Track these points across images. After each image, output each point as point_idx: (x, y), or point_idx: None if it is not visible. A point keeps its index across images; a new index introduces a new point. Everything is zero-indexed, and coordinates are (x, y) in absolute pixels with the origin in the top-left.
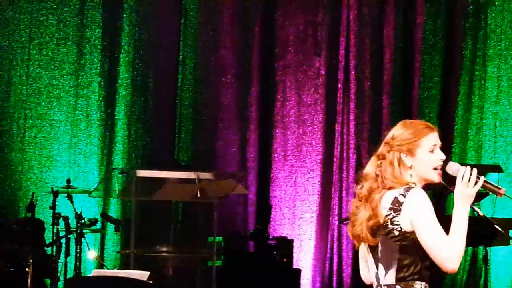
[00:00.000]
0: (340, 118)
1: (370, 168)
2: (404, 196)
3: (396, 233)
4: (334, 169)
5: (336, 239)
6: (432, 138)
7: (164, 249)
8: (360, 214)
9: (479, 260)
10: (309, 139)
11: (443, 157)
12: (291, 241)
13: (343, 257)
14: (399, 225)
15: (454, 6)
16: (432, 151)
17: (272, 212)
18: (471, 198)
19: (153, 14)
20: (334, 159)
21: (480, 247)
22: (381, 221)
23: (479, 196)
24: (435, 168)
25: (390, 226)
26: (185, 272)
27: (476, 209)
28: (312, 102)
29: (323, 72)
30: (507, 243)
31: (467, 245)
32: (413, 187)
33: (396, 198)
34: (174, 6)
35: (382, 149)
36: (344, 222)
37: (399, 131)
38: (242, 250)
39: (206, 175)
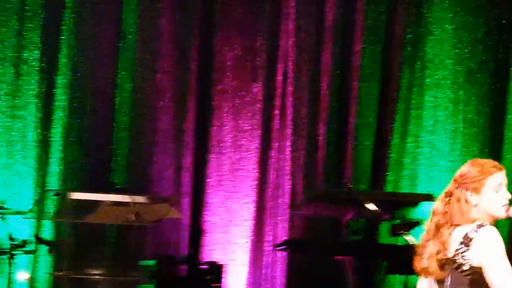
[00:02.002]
0: (277, 144)
1: (438, 204)
2: (476, 232)
3: (466, 267)
4: (268, 195)
5: (269, 265)
6: (498, 178)
7: (97, 272)
8: (429, 248)
9: None
10: (244, 164)
11: (509, 196)
12: (224, 266)
13: (276, 283)
14: (469, 260)
15: (392, 34)
16: (497, 191)
17: (206, 237)
18: None
19: (92, 36)
20: (269, 185)
21: (412, 276)
22: (450, 255)
23: (411, 225)
24: (503, 206)
25: (460, 260)
26: None
27: (409, 237)
28: (249, 127)
29: (260, 98)
30: None
31: (399, 273)
32: (485, 225)
33: (467, 233)
34: (113, 29)
35: (450, 186)
36: (278, 248)
37: (466, 169)
38: (174, 275)
39: (140, 199)
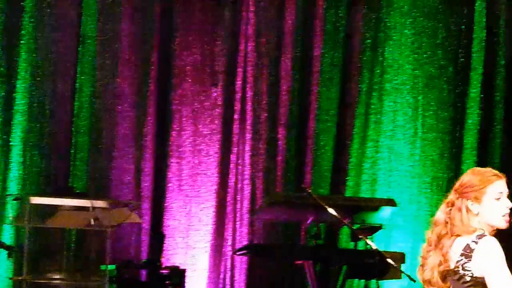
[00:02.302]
0: (236, 149)
1: (440, 214)
2: (476, 243)
3: (468, 278)
4: (228, 200)
5: (229, 270)
6: (499, 186)
7: (57, 276)
8: (430, 259)
9: None
10: (204, 169)
11: (510, 205)
12: (184, 270)
13: (236, 287)
14: (470, 271)
15: (352, 39)
16: (498, 199)
17: (166, 242)
18: None
19: (51, 41)
20: (229, 189)
21: (372, 280)
22: (452, 267)
23: (372, 229)
24: (503, 216)
25: (461, 271)
26: None
27: (369, 242)
28: (208, 132)
29: (220, 103)
30: (399, 277)
31: (359, 278)
32: (485, 235)
33: (468, 244)
34: (72, 34)
35: (451, 196)
36: (238, 253)
37: (467, 178)
38: (134, 279)
39: (100, 203)
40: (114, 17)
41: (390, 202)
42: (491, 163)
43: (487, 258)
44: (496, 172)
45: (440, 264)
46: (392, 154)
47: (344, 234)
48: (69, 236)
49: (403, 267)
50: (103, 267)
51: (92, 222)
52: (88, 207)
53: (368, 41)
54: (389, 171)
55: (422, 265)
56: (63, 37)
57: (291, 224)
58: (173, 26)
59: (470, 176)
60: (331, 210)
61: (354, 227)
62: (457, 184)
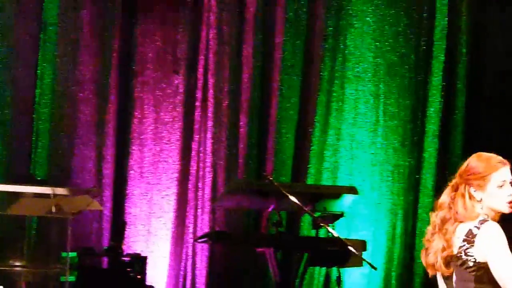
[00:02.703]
0: (198, 136)
1: (444, 198)
2: (478, 228)
3: (471, 264)
4: (190, 187)
5: (190, 257)
6: (503, 173)
7: (18, 264)
8: (434, 243)
9: (332, 281)
10: (166, 156)
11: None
12: (145, 258)
13: (197, 275)
14: (473, 256)
15: (313, 27)
16: (501, 186)
17: (127, 229)
18: None
19: (12, 27)
20: (190, 177)
21: (333, 268)
22: (455, 252)
23: (334, 217)
24: (508, 202)
25: (464, 257)
26: (38, 287)
27: (330, 230)
28: (170, 119)
29: (182, 90)
30: (360, 265)
31: (320, 265)
32: (487, 220)
33: (470, 230)
34: (34, 20)
35: (456, 180)
36: (199, 240)
37: (472, 164)
38: (95, 266)
39: (61, 191)
40: (75, 4)
41: (352, 190)
42: (453, 151)
43: (489, 243)
44: (501, 159)
45: (443, 250)
46: (353, 141)
47: (306, 222)
48: (30, 224)
49: (364, 254)
50: (64, 254)
51: (53, 210)
52: (49, 194)
53: (330, 28)
54: (350, 158)
55: (427, 249)
56: (24, 24)
57: (252, 211)
58: (134, 13)
59: (475, 162)
60: (293, 198)
61: (316, 215)
62: (462, 168)
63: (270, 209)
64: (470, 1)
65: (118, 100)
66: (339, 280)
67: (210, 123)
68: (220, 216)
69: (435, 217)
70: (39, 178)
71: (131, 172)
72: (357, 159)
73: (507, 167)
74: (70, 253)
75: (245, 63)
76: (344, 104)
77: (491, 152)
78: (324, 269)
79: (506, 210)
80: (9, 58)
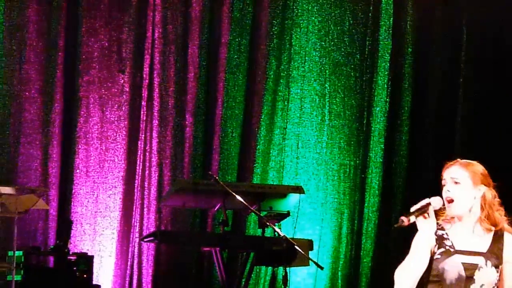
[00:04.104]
0: (143, 135)
1: None
2: None
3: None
4: (136, 186)
5: (136, 256)
6: (446, 171)
7: None
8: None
9: (278, 281)
10: (111, 155)
11: (447, 190)
12: (91, 257)
13: (143, 274)
14: None
15: (259, 26)
16: (444, 184)
17: (73, 228)
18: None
19: None
20: (136, 176)
21: (279, 267)
22: None
23: (280, 217)
24: (445, 198)
25: None
26: None
27: (277, 229)
28: (116, 118)
29: (127, 89)
30: (306, 264)
31: (267, 265)
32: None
33: None
34: None
35: None
36: (145, 239)
37: None
38: (41, 265)
39: (7, 190)
40: (21, 3)
41: (298, 189)
42: (398, 150)
43: None
44: (458, 160)
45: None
46: (299, 141)
47: (252, 221)
48: None
49: (311, 254)
50: (10, 253)
51: None
52: None
53: (275, 28)
54: (296, 158)
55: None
56: None
57: (198, 211)
58: (80, 12)
59: None
60: (239, 197)
61: (262, 214)
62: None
63: (216, 209)
64: (415, 1)
65: (64, 99)
66: (285, 279)
67: (155, 122)
68: (166, 215)
69: None
70: None
71: (77, 171)
72: (303, 158)
73: (451, 167)
74: (16, 252)
75: (190, 62)
76: (290, 103)
77: (432, 151)
78: (270, 268)
79: (446, 210)
80: None
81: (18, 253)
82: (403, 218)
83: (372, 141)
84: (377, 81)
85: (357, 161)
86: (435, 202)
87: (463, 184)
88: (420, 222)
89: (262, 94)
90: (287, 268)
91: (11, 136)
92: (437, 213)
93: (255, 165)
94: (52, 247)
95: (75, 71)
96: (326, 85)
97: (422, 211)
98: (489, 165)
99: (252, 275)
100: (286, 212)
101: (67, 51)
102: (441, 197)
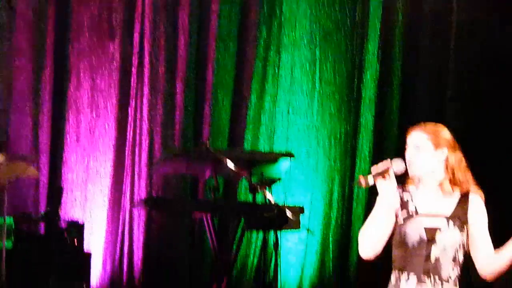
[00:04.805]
0: (134, 102)
1: None
2: None
3: None
4: (126, 153)
5: (127, 223)
6: (409, 136)
7: None
8: None
9: (269, 246)
10: (102, 123)
11: (408, 154)
12: (82, 224)
13: (134, 240)
14: None
15: None
16: (406, 149)
17: (64, 195)
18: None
19: None
20: (127, 143)
21: (271, 232)
22: None
23: (270, 182)
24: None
25: None
26: None
27: (267, 195)
28: (106, 86)
29: (118, 57)
30: (297, 229)
31: (257, 229)
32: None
33: None
34: None
35: None
36: (136, 206)
37: None
38: (32, 232)
39: None
40: None
41: (288, 155)
42: (389, 116)
43: None
44: (422, 123)
45: None
46: (290, 107)
47: (243, 187)
48: None
49: (301, 219)
50: (0, 220)
51: None
52: None
53: None
54: (287, 124)
55: None
56: None
57: (189, 177)
58: None
59: None
60: (230, 164)
61: (253, 180)
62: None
63: (207, 175)
64: None
65: (54, 67)
66: (276, 244)
67: (146, 90)
68: (157, 182)
69: None
70: None
71: (68, 138)
72: (294, 125)
73: (413, 132)
74: (6, 218)
75: (181, 30)
76: (281, 70)
77: (426, 117)
78: (261, 233)
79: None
80: None
81: (9, 219)
82: (360, 178)
83: (363, 108)
84: (368, 48)
85: (348, 128)
86: (396, 164)
87: (424, 148)
88: (379, 183)
89: (252, 61)
90: (278, 234)
91: (1, 104)
92: (405, 176)
93: (245, 131)
94: (42, 214)
95: (65, 39)
96: (317, 52)
97: (382, 172)
98: (480, 132)
99: (243, 241)
100: (277, 178)
101: (57, 19)
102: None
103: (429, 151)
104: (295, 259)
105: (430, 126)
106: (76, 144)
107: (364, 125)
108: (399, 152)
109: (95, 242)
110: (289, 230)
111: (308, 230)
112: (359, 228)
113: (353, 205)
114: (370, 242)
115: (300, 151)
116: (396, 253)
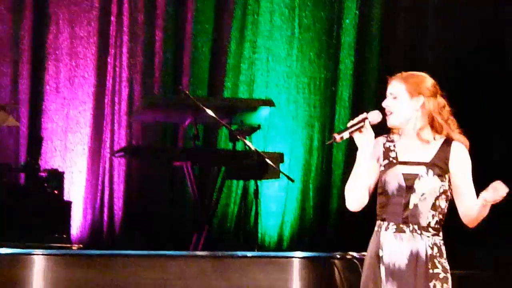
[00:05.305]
0: (113, 51)
1: None
2: None
3: None
4: (106, 102)
5: (107, 172)
6: (388, 86)
7: None
8: None
9: (250, 194)
10: (81, 71)
11: (386, 105)
12: (62, 173)
13: (115, 189)
14: None
15: None
16: (386, 97)
17: (44, 145)
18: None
19: None
20: (106, 91)
21: (251, 180)
22: None
23: (250, 130)
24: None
25: None
26: None
27: (247, 142)
28: (85, 35)
29: (97, 5)
30: (277, 177)
31: (237, 178)
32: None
33: None
34: None
35: None
36: (116, 155)
37: None
38: (12, 182)
39: None
40: None
41: (268, 102)
42: (369, 63)
43: None
44: (401, 72)
45: None
46: (269, 54)
47: (223, 135)
48: None
49: (282, 167)
50: None
51: None
52: None
53: None
54: (266, 71)
55: None
56: None
57: (169, 126)
58: None
59: None
60: (209, 111)
61: (232, 128)
62: None
63: (186, 123)
64: None
65: (33, 16)
66: (256, 192)
67: (125, 38)
68: (137, 130)
69: None
70: None
71: (47, 87)
72: (273, 72)
73: (392, 81)
74: None
75: None
76: (260, 17)
77: (404, 63)
78: (241, 182)
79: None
80: None
81: None
82: (335, 135)
83: (342, 54)
84: None
85: (328, 74)
86: (373, 116)
87: (400, 98)
88: (357, 137)
89: (232, 8)
90: (258, 182)
91: None
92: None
93: (225, 79)
94: (22, 164)
95: None
96: None
97: (357, 127)
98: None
99: (224, 189)
100: (256, 126)
101: None
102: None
103: (405, 100)
104: (276, 207)
105: (408, 75)
106: (55, 93)
107: (344, 71)
108: (378, 98)
109: (76, 191)
110: (269, 178)
111: (288, 177)
112: (339, 175)
113: (333, 152)
114: (355, 194)
115: (280, 98)
116: (378, 201)
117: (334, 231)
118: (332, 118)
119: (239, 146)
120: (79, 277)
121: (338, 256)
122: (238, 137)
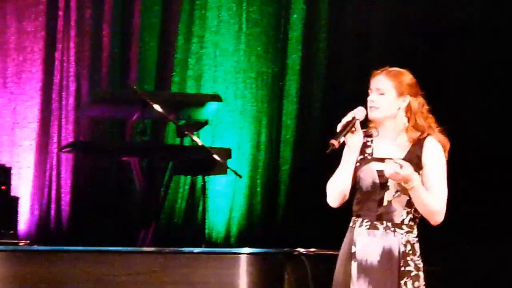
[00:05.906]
0: (61, 45)
1: None
2: None
3: None
4: (53, 97)
5: (55, 167)
6: (372, 81)
7: None
8: None
9: (197, 189)
10: (29, 66)
11: (371, 100)
12: (9, 168)
13: (62, 185)
14: None
15: None
16: (369, 94)
17: None
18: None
19: None
20: (54, 86)
21: (198, 176)
22: None
23: (198, 125)
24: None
25: None
26: None
27: (195, 138)
28: (33, 29)
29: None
30: (225, 173)
31: (185, 174)
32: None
33: None
34: None
35: None
36: (63, 150)
37: None
38: None
39: None
40: None
41: (216, 98)
42: (316, 57)
43: None
44: (385, 67)
45: None
46: (217, 49)
47: (170, 130)
48: None
49: (229, 162)
50: None
51: None
52: None
53: None
54: (214, 66)
55: None
56: None
57: (117, 120)
58: None
59: None
60: (157, 106)
61: (180, 123)
62: None
63: (134, 118)
64: None
65: None
66: (204, 188)
67: (73, 33)
68: (85, 125)
69: None
70: None
71: None
72: (221, 67)
73: (376, 76)
74: None
75: None
76: (207, 12)
77: (352, 59)
78: (189, 177)
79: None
80: None
81: None
82: (333, 141)
83: (290, 49)
84: None
85: (275, 69)
86: (359, 113)
87: (387, 95)
88: (349, 138)
89: (179, 2)
90: (206, 177)
91: None
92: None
93: (173, 74)
94: None
95: None
96: None
97: (349, 128)
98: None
99: (171, 184)
100: (204, 121)
101: None
102: (366, 107)
103: (392, 98)
104: (223, 203)
105: (396, 72)
106: (3, 88)
107: (291, 66)
108: (326, 92)
109: (23, 186)
110: (216, 174)
111: (235, 173)
112: (286, 170)
113: (280, 147)
114: (340, 191)
115: (227, 93)
116: (354, 198)
117: (282, 227)
118: (279, 113)
119: (186, 141)
120: (26, 273)
121: (285, 252)
122: (186, 132)
